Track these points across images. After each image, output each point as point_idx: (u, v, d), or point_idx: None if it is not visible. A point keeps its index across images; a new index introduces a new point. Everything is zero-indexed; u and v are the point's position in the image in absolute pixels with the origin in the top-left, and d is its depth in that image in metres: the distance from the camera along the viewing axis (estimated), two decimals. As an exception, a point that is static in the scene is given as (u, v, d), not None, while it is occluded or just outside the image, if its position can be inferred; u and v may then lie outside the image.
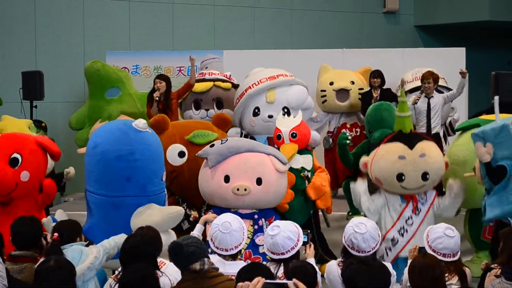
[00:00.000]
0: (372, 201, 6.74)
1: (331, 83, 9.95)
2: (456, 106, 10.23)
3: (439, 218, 6.75)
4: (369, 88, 9.76)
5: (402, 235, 6.65)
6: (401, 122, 6.85)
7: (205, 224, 5.87)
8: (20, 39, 11.99)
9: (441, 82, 9.47)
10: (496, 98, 6.16)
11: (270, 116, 8.72)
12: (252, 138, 8.67)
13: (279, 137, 7.49)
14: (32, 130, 8.01)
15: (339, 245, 5.31)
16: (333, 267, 4.96)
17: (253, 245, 6.46)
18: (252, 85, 9.02)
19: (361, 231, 5.00)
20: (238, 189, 6.52)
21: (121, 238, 5.10)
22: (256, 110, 8.99)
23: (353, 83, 9.97)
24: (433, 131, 8.91)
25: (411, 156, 6.62)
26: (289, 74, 9.18)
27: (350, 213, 8.38)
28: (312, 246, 5.08)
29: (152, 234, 5.00)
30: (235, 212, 6.07)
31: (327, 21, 14.44)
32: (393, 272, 4.79)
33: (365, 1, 14.89)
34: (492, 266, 4.90)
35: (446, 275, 4.83)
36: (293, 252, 4.82)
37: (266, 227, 6.15)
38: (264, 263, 4.73)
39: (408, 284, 4.55)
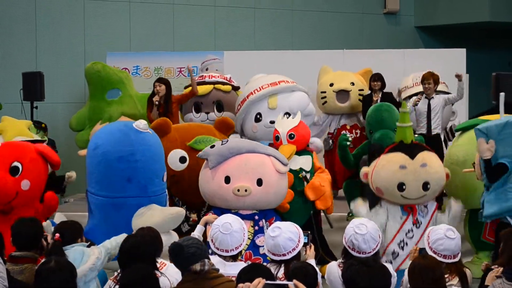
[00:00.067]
0: (376, 218, 6.71)
1: (331, 85, 9.95)
2: (457, 108, 10.23)
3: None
4: (369, 91, 9.75)
5: (402, 248, 6.65)
6: (402, 133, 6.87)
7: (205, 225, 5.87)
8: (20, 40, 12.00)
9: (441, 87, 9.44)
10: (502, 94, 6.17)
11: (272, 122, 8.70)
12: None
13: (277, 138, 7.50)
14: (32, 131, 8.01)
15: (340, 246, 5.31)
16: (334, 268, 4.96)
17: (253, 246, 6.46)
18: (254, 91, 9.01)
19: (361, 232, 5.00)
20: (238, 190, 6.52)
21: (122, 238, 5.09)
22: (258, 116, 8.98)
23: (353, 84, 9.97)
24: (433, 132, 8.91)
25: (412, 165, 6.63)
26: (290, 81, 9.17)
27: (350, 214, 8.37)
28: (313, 247, 5.08)
29: (151, 234, 4.99)
30: (236, 213, 6.07)
31: (327, 22, 14.44)
32: (393, 273, 4.78)
33: (365, 2, 14.89)
34: (493, 267, 4.90)
35: (447, 276, 4.83)
36: (294, 253, 4.82)
37: (267, 228, 6.15)
38: (265, 264, 4.73)
39: (408, 285, 4.55)
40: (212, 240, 4.96)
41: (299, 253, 4.85)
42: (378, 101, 9.32)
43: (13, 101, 10.94)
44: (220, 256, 4.90)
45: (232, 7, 13.64)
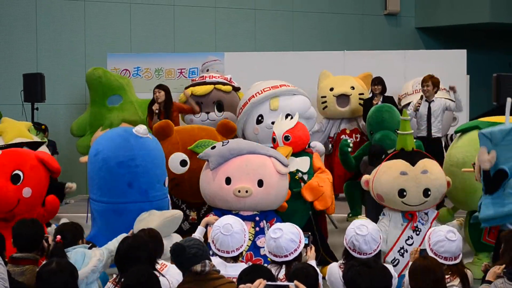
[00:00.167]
0: (383, 229, 6.69)
1: (331, 89, 9.95)
2: (458, 115, 10.19)
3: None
4: (370, 94, 9.75)
5: (402, 255, 6.65)
6: (403, 140, 6.89)
7: (206, 226, 5.87)
8: (21, 41, 12.00)
9: (442, 94, 9.41)
10: (509, 100, 6.15)
11: (274, 123, 8.72)
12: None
13: (274, 140, 7.51)
14: (32, 133, 8.02)
15: (340, 247, 5.30)
16: (335, 269, 4.96)
17: (254, 247, 6.45)
18: (255, 94, 9.03)
19: (362, 233, 5.00)
20: (239, 191, 6.52)
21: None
22: (260, 118, 8.99)
23: (353, 88, 9.96)
24: (434, 136, 8.88)
25: (413, 172, 6.64)
26: (291, 85, 9.20)
27: (350, 215, 8.37)
28: (313, 248, 5.08)
29: (151, 235, 5.01)
30: (236, 214, 6.06)
31: (328, 23, 14.45)
32: (394, 274, 4.78)
33: (366, 3, 14.90)
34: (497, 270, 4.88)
35: (448, 277, 4.83)
36: (296, 254, 4.82)
37: (268, 229, 6.15)
38: (265, 265, 4.73)
39: (409, 286, 4.55)
40: (213, 241, 4.96)
41: (300, 254, 4.86)
42: (379, 103, 9.31)
43: (14, 102, 10.95)
44: (221, 257, 4.91)
45: (232, 8, 13.65)
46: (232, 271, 4.63)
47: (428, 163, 6.74)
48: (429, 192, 6.63)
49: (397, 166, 6.70)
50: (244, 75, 9.80)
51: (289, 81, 9.30)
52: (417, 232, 6.68)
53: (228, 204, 6.60)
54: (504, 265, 4.78)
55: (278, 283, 4.16)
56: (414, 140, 7.17)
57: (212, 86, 9.70)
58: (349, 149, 8.13)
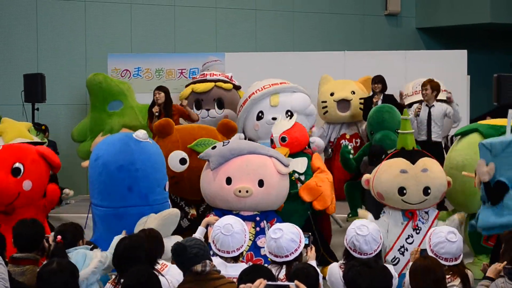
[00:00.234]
0: (383, 227, 6.70)
1: (332, 94, 9.97)
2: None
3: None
4: (371, 93, 9.75)
5: (403, 253, 6.64)
6: (403, 140, 6.90)
7: (206, 226, 5.87)
8: (21, 41, 12.00)
9: (443, 96, 9.41)
10: (511, 111, 6.15)
11: (274, 119, 8.73)
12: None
13: (271, 141, 7.53)
14: (32, 133, 8.02)
15: (341, 247, 5.30)
16: (335, 269, 4.96)
17: (254, 247, 6.45)
18: (256, 91, 9.07)
19: (363, 233, 5.00)
20: (240, 191, 6.52)
21: None
22: (260, 114, 9.00)
23: (353, 93, 9.98)
24: (434, 140, 8.87)
25: (413, 170, 6.64)
26: (291, 84, 9.22)
27: (350, 215, 8.38)
28: (314, 248, 5.08)
29: (151, 235, 5.01)
30: (237, 214, 6.06)
31: (328, 23, 14.45)
32: (394, 274, 4.78)
33: (366, 3, 14.90)
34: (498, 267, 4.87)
35: (449, 277, 4.83)
36: (296, 254, 4.82)
37: (268, 229, 6.14)
38: (266, 265, 4.73)
39: (410, 286, 4.55)
40: (213, 242, 4.96)
41: (300, 254, 4.86)
42: (379, 103, 9.31)
43: (14, 103, 10.95)
44: (221, 257, 4.91)
45: (233, 9, 13.65)
46: (233, 271, 4.63)
47: (428, 162, 6.74)
48: (429, 191, 6.63)
49: (397, 164, 6.71)
50: (245, 75, 9.81)
51: (290, 81, 9.31)
52: (417, 231, 6.68)
53: (229, 204, 6.61)
54: (505, 262, 4.77)
55: (279, 283, 4.16)
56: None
57: (212, 84, 9.73)
58: (350, 156, 8.17)
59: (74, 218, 6.72)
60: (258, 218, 6.60)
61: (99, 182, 6.34)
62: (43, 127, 9.90)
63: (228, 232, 4.93)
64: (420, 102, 9.07)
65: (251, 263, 5.80)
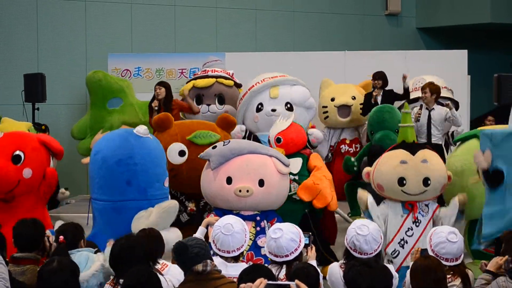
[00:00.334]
0: (381, 210, 6.72)
1: (333, 99, 9.99)
2: (459, 113, 10.17)
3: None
4: (372, 89, 9.78)
5: (403, 246, 6.65)
6: (404, 133, 6.92)
7: (207, 226, 5.86)
8: (22, 41, 11.99)
9: (444, 93, 9.41)
10: None
11: (274, 110, 8.74)
12: (255, 136, 8.67)
13: (268, 142, 7.55)
14: (32, 133, 8.03)
15: (341, 247, 5.30)
16: (335, 269, 4.96)
17: (255, 247, 6.45)
18: (256, 83, 9.10)
19: (363, 233, 5.00)
20: (240, 191, 6.52)
21: None
22: (260, 106, 9.02)
23: (354, 98, 10.00)
24: (434, 143, 8.87)
25: (413, 161, 6.65)
26: (291, 77, 9.22)
27: (350, 215, 8.38)
28: (314, 248, 5.08)
29: (149, 235, 5.00)
30: (237, 214, 6.07)
31: (328, 23, 14.44)
32: (395, 274, 4.78)
33: (367, 3, 14.89)
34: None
35: (449, 277, 4.83)
36: (296, 253, 4.82)
37: (268, 229, 6.14)
38: (266, 265, 4.73)
39: (410, 286, 4.55)
40: (213, 241, 4.97)
41: (301, 253, 4.86)
42: (378, 98, 9.35)
43: (15, 102, 10.95)
44: (221, 257, 4.91)
45: (233, 9, 13.65)
46: (233, 271, 4.63)
47: (428, 153, 6.76)
48: (429, 182, 6.63)
49: (397, 156, 6.74)
50: (245, 75, 9.81)
51: (290, 79, 9.33)
52: (417, 224, 6.67)
53: (229, 204, 6.61)
54: (506, 256, 4.77)
55: (279, 282, 4.16)
56: None
57: (214, 79, 9.77)
58: (355, 168, 8.20)
59: (74, 218, 6.72)
60: (258, 218, 6.60)
61: (99, 176, 6.37)
62: (43, 127, 9.89)
63: (229, 231, 4.93)
64: (420, 106, 9.07)
65: (251, 263, 5.81)
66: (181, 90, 10.04)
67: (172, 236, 6.01)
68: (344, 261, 5.06)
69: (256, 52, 12.51)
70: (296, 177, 7.31)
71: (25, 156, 6.46)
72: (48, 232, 5.52)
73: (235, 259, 4.95)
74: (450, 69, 10.64)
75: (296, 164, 7.38)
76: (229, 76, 9.94)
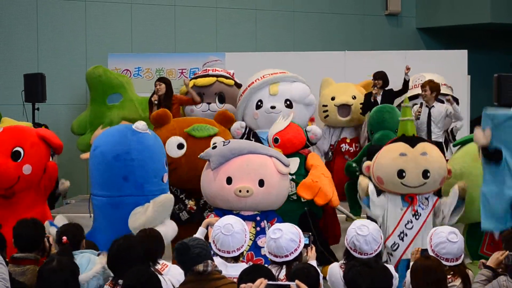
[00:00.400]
0: (380, 200, 6.73)
1: (333, 98, 9.99)
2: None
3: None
4: (372, 88, 9.79)
5: (402, 239, 6.64)
6: (404, 126, 6.92)
7: (207, 227, 5.86)
8: (22, 41, 12.00)
9: (444, 90, 9.42)
10: None
11: (273, 107, 8.73)
12: (255, 133, 8.67)
13: (267, 140, 7.56)
14: (32, 133, 8.03)
15: (341, 247, 5.30)
16: (335, 269, 4.96)
17: (255, 247, 6.45)
18: (255, 80, 9.08)
19: (363, 234, 4.99)
20: (240, 191, 6.52)
21: None
22: (259, 103, 9.00)
23: (354, 97, 10.01)
24: (434, 141, 8.88)
25: (413, 153, 6.66)
26: (291, 73, 9.22)
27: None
28: (314, 248, 5.08)
29: (149, 235, 4.99)
30: (237, 214, 6.06)
31: (328, 23, 14.44)
32: (395, 274, 4.78)
33: (367, 3, 14.89)
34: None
35: (449, 277, 4.83)
36: (296, 253, 4.82)
37: (268, 229, 6.14)
38: (266, 265, 4.73)
39: (411, 286, 4.55)
40: (213, 241, 4.96)
41: (300, 253, 4.85)
42: (378, 98, 9.36)
43: (15, 102, 10.95)
44: (221, 257, 4.90)
45: (233, 9, 13.65)
46: (233, 271, 4.63)
47: (427, 146, 6.78)
48: (428, 174, 6.63)
49: (396, 148, 6.74)
50: (245, 75, 9.79)
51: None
52: (417, 217, 6.67)
53: (229, 204, 6.60)
54: (507, 252, 4.77)
55: (280, 282, 4.16)
56: None
57: (214, 78, 9.76)
58: (357, 174, 8.19)
59: (74, 218, 6.70)
60: (258, 218, 6.60)
61: (97, 172, 6.38)
62: (43, 127, 9.89)
63: (229, 232, 4.92)
64: (420, 104, 9.07)
65: (251, 263, 5.80)
66: (181, 89, 10.06)
67: (169, 230, 6.02)
68: (344, 261, 5.05)
69: (256, 52, 12.52)
70: (294, 177, 7.32)
71: (25, 152, 6.45)
72: (52, 228, 5.53)
73: (235, 259, 4.95)
74: (450, 69, 10.65)
75: (293, 163, 7.37)
76: (230, 76, 9.94)
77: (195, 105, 9.62)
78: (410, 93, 9.92)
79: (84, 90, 11.75)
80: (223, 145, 6.71)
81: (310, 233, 5.11)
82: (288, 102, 8.86)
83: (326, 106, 10.02)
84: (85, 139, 10.15)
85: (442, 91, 9.28)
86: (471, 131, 8.73)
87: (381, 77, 9.58)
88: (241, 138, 8.35)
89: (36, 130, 6.77)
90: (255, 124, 8.95)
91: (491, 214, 6.21)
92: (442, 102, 9.25)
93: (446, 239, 5.03)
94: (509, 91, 10.05)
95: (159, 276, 4.41)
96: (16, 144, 6.45)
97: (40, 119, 10.60)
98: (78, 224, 5.35)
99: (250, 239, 6.37)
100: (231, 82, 9.83)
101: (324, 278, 4.93)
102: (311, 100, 9.12)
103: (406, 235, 6.61)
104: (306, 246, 4.95)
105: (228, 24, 13.58)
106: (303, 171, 7.43)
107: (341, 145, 9.94)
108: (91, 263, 4.91)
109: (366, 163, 6.97)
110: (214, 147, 6.75)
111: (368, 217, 7.52)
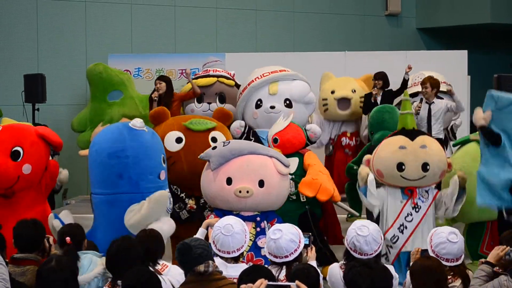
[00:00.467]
0: (379, 193, 6.73)
1: (333, 92, 10.00)
2: (460, 115, 10.19)
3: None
4: (373, 88, 9.79)
5: (402, 231, 6.65)
6: (403, 120, 6.94)
7: (207, 228, 5.86)
8: (22, 42, 12.00)
9: (444, 88, 9.43)
10: None
11: (272, 107, 8.72)
12: (254, 132, 8.67)
13: (267, 140, 7.57)
14: (31, 134, 8.03)
15: (341, 247, 5.30)
16: (335, 270, 4.96)
17: (255, 248, 6.44)
18: (255, 79, 9.05)
19: (363, 234, 5.00)
20: (240, 191, 6.51)
21: None
22: (259, 102, 8.97)
23: (354, 91, 10.02)
24: (434, 137, 8.88)
25: (412, 146, 6.68)
26: (291, 71, 9.21)
27: (350, 215, 8.37)
28: (314, 248, 5.08)
29: (149, 235, 4.99)
30: (237, 215, 6.06)
31: (329, 23, 14.45)
32: (395, 275, 4.78)
33: (367, 3, 14.90)
34: (495, 269, 4.87)
35: (450, 277, 4.83)
36: (296, 254, 4.82)
37: (268, 230, 6.14)
38: (266, 265, 4.73)
39: (411, 286, 4.54)
40: (213, 242, 4.96)
41: (300, 254, 4.85)
42: (378, 98, 9.36)
43: (15, 103, 10.95)
44: (221, 257, 4.90)
45: (233, 9, 13.65)
46: (233, 271, 4.63)
47: (427, 139, 6.80)
48: (428, 167, 6.63)
49: (396, 141, 6.76)
50: (245, 76, 9.78)
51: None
52: (417, 209, 6.67)
53: (229, 205, 6.60)
54: (508, 247, 4.77)
55: (280, 283, 4.16)
56: None
57: (215, 79, 9.75)
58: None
59: (74, 218, 6.69)
60: (258, 219, 6.59)
61: (94, 170, 6.39)
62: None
63: (229, 232, 4.92)
64: (420, 100, 9.08)
65: (251, 264, 5.80)
66: (183, 88, 10.04)
67: (164, 227, 6.01)
68: (344, 262, 5.05)
69: (256, 53, 12.53)
70: (293, 177, 7.33)
71: (24, 151, 6.44)
72: (55, 221, 5.52)
73: (235, 259, 4.95)
74: (450, 69, 10.66)
75: (293, 163, 7.39)
76: (230, 76, 9.95)
77: (196, 101, 9.61)
78: (409, 91, 9.92)
79: (84, 91, 11.75)
80: (223, 146, 6.71)
81: (310, 234, 5.11)
82: (287, 102, 8.84)
83: (326, 99, 10.03)
84: (85, 136, 10.17)
85: (441, 89, 9.29)
86: (471, 131, 8.77)
87: (381, 77, 9.60)
88: (241, 137, 8.35)
89: (35, 128, 6.75)
90: (255, 124, 8.94)
91: (488, 190, 6.21)
92: (442, 99, 9.26)
93: (446, 240, 5.03)
94: (509, 91, 10.03)
95: (159, 276, 4.42)
96: (16, 144, 6.44)
97: (40, 120, 10.59)
98: (79, 224, 5.36)
99: (250, 239, 6.36)
100: (232, 82, 9.83)
101: (324, 278, 4.93)
102: (310, 99, 9.10)
103: (406, 227, 6.63)
104: (306, 246, 4.96)
105: (228, 24, 13.58)
106: (302, 170, 7.44)
107: (342, 139, 9.94)
108: (92, 264, 4.91)
109: (366, 156, 6.99)
110: (214, 148, 6.75)
111: (367, 214, 7.56)
